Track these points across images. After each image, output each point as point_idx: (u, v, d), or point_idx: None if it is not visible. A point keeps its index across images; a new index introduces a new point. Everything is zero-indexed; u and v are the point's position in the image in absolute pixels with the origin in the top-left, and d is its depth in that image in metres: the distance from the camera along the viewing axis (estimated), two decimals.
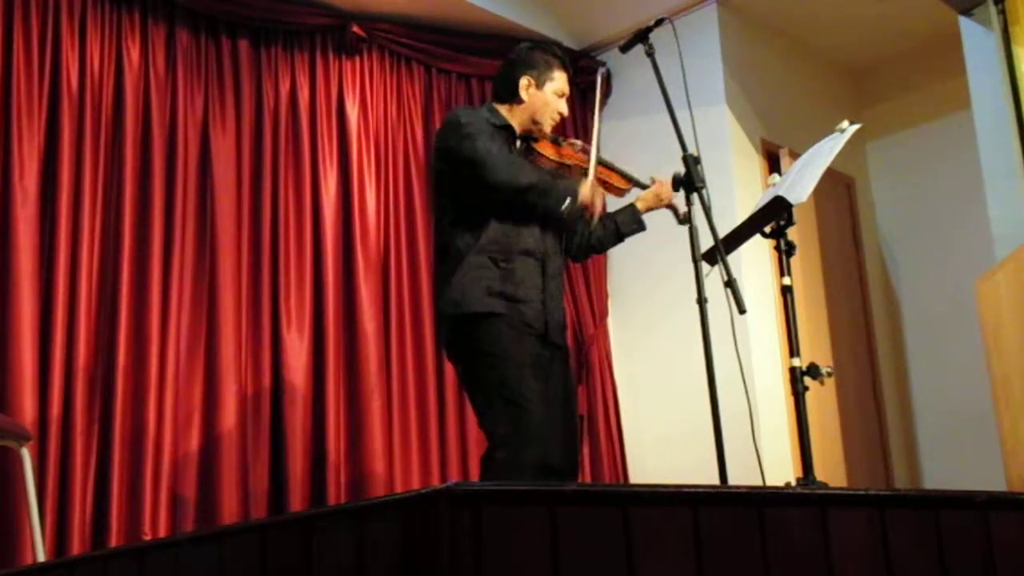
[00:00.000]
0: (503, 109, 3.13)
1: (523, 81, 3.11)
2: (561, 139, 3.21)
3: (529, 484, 1.59)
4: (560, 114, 3.15)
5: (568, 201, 2.90)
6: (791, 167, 3.29)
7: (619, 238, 3.28)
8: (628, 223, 3.25)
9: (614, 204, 3.26)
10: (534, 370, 2.90)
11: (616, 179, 3.21)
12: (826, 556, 1.74)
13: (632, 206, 3.25)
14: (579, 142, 3.24)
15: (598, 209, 3.00)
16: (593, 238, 3.25)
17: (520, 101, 3.11)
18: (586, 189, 2.96)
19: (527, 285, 2.94)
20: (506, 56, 3.24)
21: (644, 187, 3.24)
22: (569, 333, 5.05)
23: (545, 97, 3.11)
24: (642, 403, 5.24)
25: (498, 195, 2.90)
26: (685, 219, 2.93)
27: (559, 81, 3.14)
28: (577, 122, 5.19)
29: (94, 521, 3.70)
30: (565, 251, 3.23)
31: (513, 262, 2.93)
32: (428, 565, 1.42)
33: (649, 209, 3.24)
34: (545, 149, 3.11)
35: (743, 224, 3.15)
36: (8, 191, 3.76)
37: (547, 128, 3.14)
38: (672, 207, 3.17)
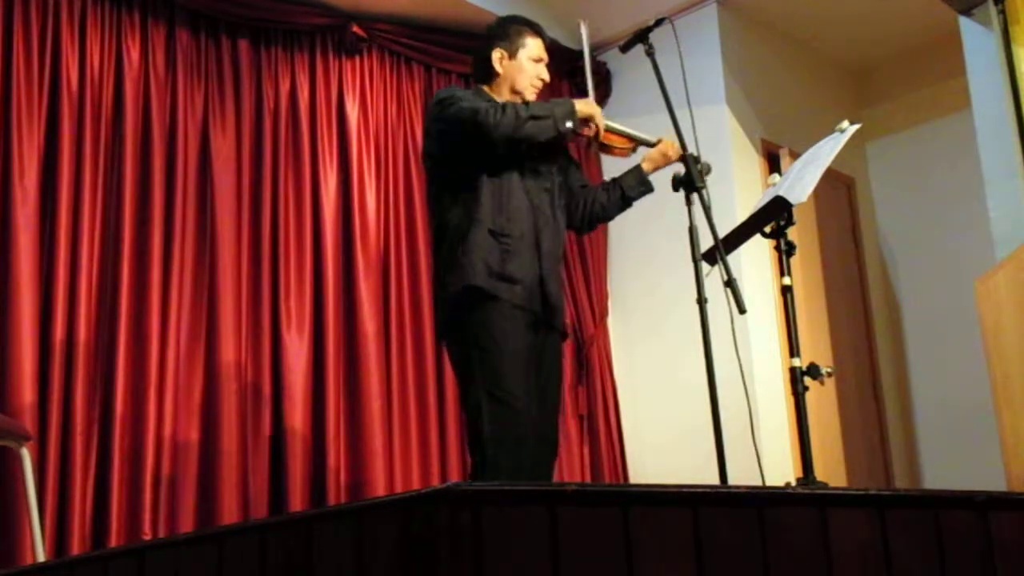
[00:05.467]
0: (486, 89, 3.12)
1: (495, 55, 3.10)
2: None
3: (529, 484, 1.59)
4: (541, 80, 3.12)
5: (570, 122, 2.92)
6: (791, 167, 3.29)
7: (625, 202, 3.19)
8: (634, 186, 3.16)
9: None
10: (527, 363, 2.87)
11: (617, 140, 3.15)
12: (826, 556, 1.73)
13: (637, 167, 3.17)
14: None
15: (600, 122, 3.02)
16: (597, 205, 3.18)
17: (497, 75, 3.10)
18: (581, 104, 2.98)
19: (524, 265, 2.91)
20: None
21: (650, 145, 3.16)
22: (569, 333, 5.10)
23: (520, 64, 3.09)
24: (642, 403, 5.24)
25: (497, 144, 2.85)
26: (679, 183, 2.90)
27: (532, 47, 3.12)
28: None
29: (94, 521, 3.70)
30: (569, 225, 3.19)
31: (510, 238, 2.91)
32: (428, 565, 1.42)
33: (656, 168, 3.16)
34: None
35: (743, 224, 3.15)
36: (8, 191, 3.76)
37: (529, 96, 3.11)
38: (683, 159, 3.02)
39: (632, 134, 3.17)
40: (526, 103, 2.99)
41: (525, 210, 2.96)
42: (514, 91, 3.09)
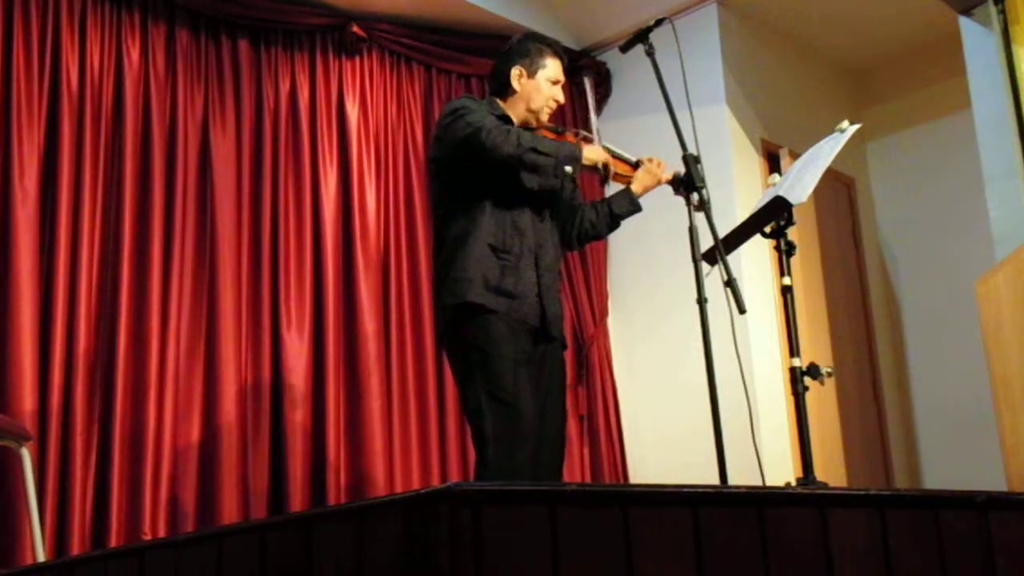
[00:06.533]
0: (500, 103, 3.13)
1: (515, 71, 3.11)
2: (562, 128, 3.20)
3: (529, 484, 1.59)
4: (556, 101, 3.14)
5: (570, 167, 2.92)
6: (791, 167, 3.29)
7: (613, 221, 3.21)
8: (623, 205, 3.18)
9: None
10: (527, 367, 2.89)
11: (621, 166, 3.17)
12: (826, 556, 1.73)
13: (627, 189, 3.19)
14: (582, 131, 3.21)
15: (612, 167, 3.04)
16: (587, 223, 3.20)
17: (514, 92, 3.11)
18: (589, 152, 2.99)
19: (523, 280, 2.93)
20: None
21: (633, 165, 3.17)
22: (569, 333, 5.10)
23: (538, 84, 3.11)
24: (642, 403, 5.24)
25: (495, 164, 2.86)
26: (679, 183, 2.92)
27: (551, 68, 3.13)
28: (578, 122, 5.20)
29: (94, 521, 3.70)
30: (564, 242, 3.21)
31: (510, 254, 2.92)
32: (428, 565, 1.42)
33: (646, 190, 3.17)
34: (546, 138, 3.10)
35: (743, 224, 3.15)
36: (8, 191, 3.76)
37: (544, 116, 3.13)
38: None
39: (624, 156, 3.18)
40: (533, 135, 2.96)
41: (527, 225, 2.98)
42: (529, 110, 3.11)
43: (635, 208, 3.20)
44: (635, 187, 3.17)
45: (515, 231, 2.95)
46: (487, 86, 3.26)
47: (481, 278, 2.87)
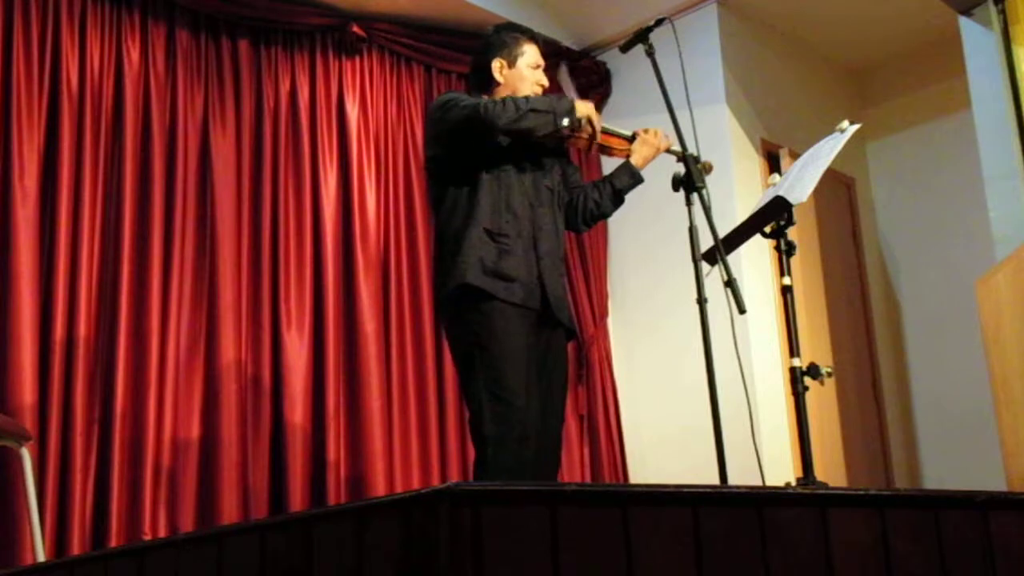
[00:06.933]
0: (486, 97, 3.12)
1: (495, 64, 3.12)
2: None
3: (529, 484, 1.59)
4: (541, 85, 3.15)
5: (567, 120, 2.94)
6: (791, 167, 3.29)
7: (617, 196, 3.19)
8: (623, 179, 3.17)
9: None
10: (528, 361, 2.87)
11: (615, 141, 3.17)
12: (826, 556, 1.73)
13: (626, 162, 3.18)
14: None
15: (598, 123, 3.05)
16: (591, 202, 3.19)
17: (498, 84, 3.12)
18: (580, 105, 3.01)
19: (522, 263, 2.92)
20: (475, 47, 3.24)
21: (629, 140, 3.17)
22: (576, 331, 5.08)
23: (521, 72, 3.12)
24: (642, 403, 5.24)
25: (498, 135, 2.88)
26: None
27: (530, 54, 3.15)
28: None
29: (94, 521, 3.70)
30: (567, 225, 3.21)
31: (507, 238, 2.92)
32: (428, 565, 1.42)
33: (646, 161, 3.17)
34: None
35: (743, 224, 3.15)
36: (8, 191, 3.76)
37: None
38: (683, 159, 2.99)
39: (619, 132, 3.18)
40: (525, 97, 3.00)
41: (524, 211, 2.98)
42: None
43: (636, 180, 3.19)
44: (635, 160, 3.17)
45: (511, 216, 2.95)
46: (470, 84, 3.26)
47: (478, 261, 2.87)
